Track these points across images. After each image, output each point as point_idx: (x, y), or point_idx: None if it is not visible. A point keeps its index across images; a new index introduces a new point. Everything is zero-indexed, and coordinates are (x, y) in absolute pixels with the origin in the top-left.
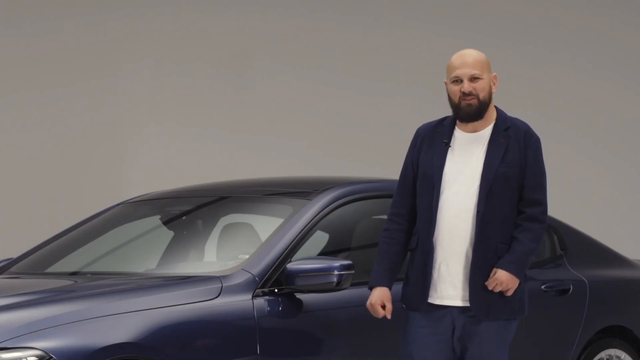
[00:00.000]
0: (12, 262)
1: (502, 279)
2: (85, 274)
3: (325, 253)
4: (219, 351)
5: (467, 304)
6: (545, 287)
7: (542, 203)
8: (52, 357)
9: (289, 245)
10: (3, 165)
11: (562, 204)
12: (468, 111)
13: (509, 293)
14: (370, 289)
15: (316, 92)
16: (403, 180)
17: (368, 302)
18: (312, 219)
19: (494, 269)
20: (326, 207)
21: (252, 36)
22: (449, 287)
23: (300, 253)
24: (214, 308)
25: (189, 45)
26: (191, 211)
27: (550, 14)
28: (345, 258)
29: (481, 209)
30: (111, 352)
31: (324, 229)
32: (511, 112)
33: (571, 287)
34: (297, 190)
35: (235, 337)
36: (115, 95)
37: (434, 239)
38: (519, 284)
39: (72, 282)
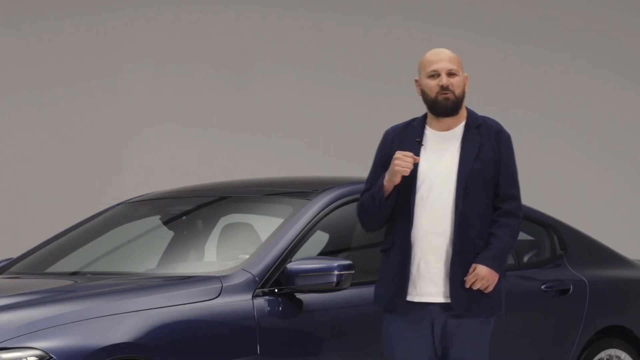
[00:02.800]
0: (12, 262)
1: (482, 275)
2: (85, 274)
3: (325, 253)
4: (219, 351)
5: (449, 301)
6: (545, 287)
7: (517, 198)
8: (52, 357)
9: (289, 245)
10: (3, 165)
11: (562, 204)
12: (445, 105)
13: (489, 289)
14: (380, 186)
15: (316, 92)
16: (373, 182)
17: (394, 160)
18: (312, 219)
19: (473, 265)
20: (326, 207)
21: (252, 36)
22: (429, 285)
23: (300, 253)
24: (214, 308)
25: (189, 45)
26: (191, 211)
27: (550, 14)
28: (345, 258)
29: (459, 205)
30: (111, 352)
31: (324, 229)
32: (511, 112)
33: (571, 287)
34: (297, 190)
35: (235, 337)
36: (115, 95)
37: (412, 237)
38: (498, 279)
39: (72, 282)
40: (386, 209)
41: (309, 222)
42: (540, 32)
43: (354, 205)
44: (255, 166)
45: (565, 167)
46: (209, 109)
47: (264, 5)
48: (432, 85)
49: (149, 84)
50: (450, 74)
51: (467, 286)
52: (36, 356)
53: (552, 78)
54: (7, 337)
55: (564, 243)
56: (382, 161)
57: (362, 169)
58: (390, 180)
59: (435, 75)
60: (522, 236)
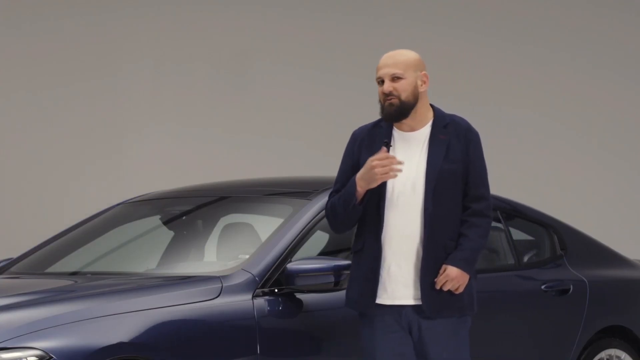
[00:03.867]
0: (12, 262)
1: (452, 276)
2: (85, 274)
3: (325, 253)
4: (219, 351)
5: (420, 302)
6: (545, 287)
7: (487, 198)
8: (52, 357)
9: (289, 245)
10: (3, 165)
11: (562, 204)
12: (389, 111)
13: (460, 290)
14: (353, 192)
15: (316, 92)
16: (343, 183)
17: (369, 165)
18: (312, 219)
19: (444, 266)
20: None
21: (252, 36)
22: (401, 287)
23: (300, 253)
24: (214, 308)
25: (189, 45)
26: (191, 211)
27: (550, 14)
28: (345, 258)
29: (429, 207)
30: (111, 352)
31: (324, 229)
32: (512, 112)
33: (571, 287)
34: (297, 190)
35: (235, 337)
36: (115, 95)
37: (382, 239)
38: (469, 280)
39: (72, 282)
40: (358, 213)
41: (309, 222)
42: (540, 32)
43: None
44: (255, 166)
45: (565, 167)
46: (209, 109)
47: (264, 5)
48: (379, 91)
49: (149, 84)
50: (395, 78)
51: (438, 287)
52: (36, 356)
53: (552, 78)
54: (7, 337)
55: (564, 243)
56: (351, 162)
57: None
58: (368, 185)
59: (380, 81)
60: (522, 236)
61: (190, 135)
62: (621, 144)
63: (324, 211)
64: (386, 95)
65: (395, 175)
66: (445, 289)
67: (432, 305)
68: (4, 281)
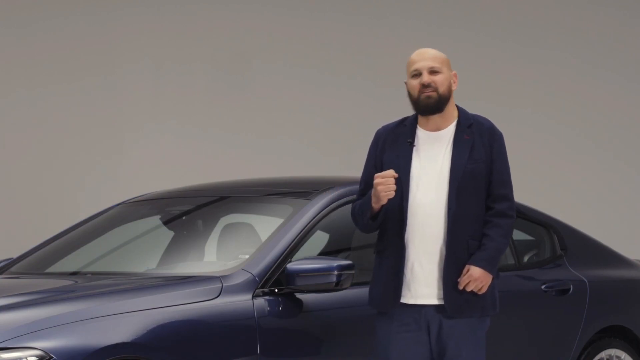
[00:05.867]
0: (12, 262)
1: (476, 276)
2: (85, 274)
3: (325, 253)
4: (219, 351)
5: (442, 302)
6: (545, 287)
7: (510, 198)
8: (52, 357)
9: (289, 245)
10: (3, 165)
11: (562, 204)
12: (427, 103)
13: (483, 290)
14: (369, 207)
15: (316, 92)
16: (367, 183)
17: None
18: (312, 219)
19: (467, 267)
20: (326, 207)
21: (252, 36)
22: (423, 286)
23: (300, 253)
24: (214, 308)
25: (189, 45)
26: (191, 211)
27: (550, 14)
28: (345, 258)
29: (452, 206)
30: (111, 352)
31: (324, 229)
32: (511, 112)
33: (571, 287)
34: (297, 190)
35: (235, 337)
36: (115, 95)
37: (405, 239)
38: (492, 280)
39: (72, 282)
40: (375, 226)
41: (309, 222)
42: (541, 32)
43: None
44: (255, 166)
45: (565, 167)
46: (209, 109)
47: (263, 5)
48: (414, 84)
49: (149, 83)
50: (433, 71)
51: (461, 288)
52: (36, 356)
53: (552, 78)
54: (7, 337)
55: (564, 243)
56: (374, 162)
57: (361, 169)
58: (377, 203)
59: (417, 74)
60: (522, 236)
61: (190, 135)
62: (621, 144)
63: (324, 211)
64: (424, 87)
65: (393, 194)
66: (469, 289)
67: (454, 305)
68: (4, 281)
